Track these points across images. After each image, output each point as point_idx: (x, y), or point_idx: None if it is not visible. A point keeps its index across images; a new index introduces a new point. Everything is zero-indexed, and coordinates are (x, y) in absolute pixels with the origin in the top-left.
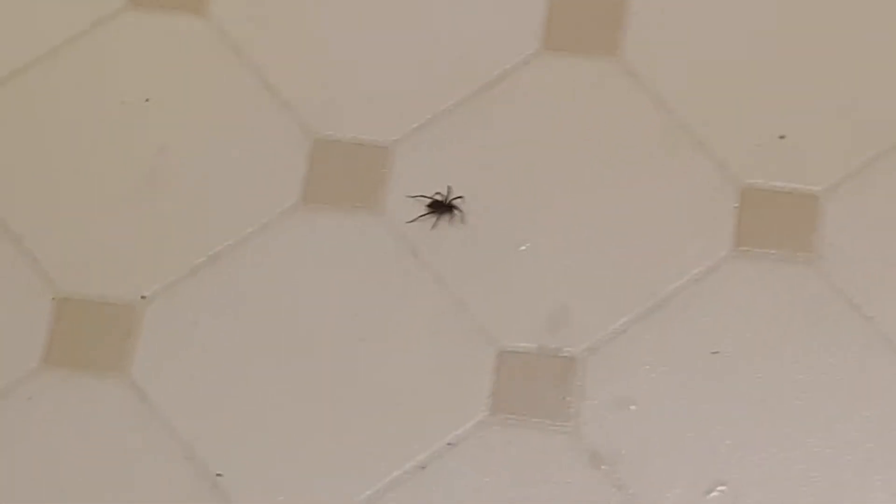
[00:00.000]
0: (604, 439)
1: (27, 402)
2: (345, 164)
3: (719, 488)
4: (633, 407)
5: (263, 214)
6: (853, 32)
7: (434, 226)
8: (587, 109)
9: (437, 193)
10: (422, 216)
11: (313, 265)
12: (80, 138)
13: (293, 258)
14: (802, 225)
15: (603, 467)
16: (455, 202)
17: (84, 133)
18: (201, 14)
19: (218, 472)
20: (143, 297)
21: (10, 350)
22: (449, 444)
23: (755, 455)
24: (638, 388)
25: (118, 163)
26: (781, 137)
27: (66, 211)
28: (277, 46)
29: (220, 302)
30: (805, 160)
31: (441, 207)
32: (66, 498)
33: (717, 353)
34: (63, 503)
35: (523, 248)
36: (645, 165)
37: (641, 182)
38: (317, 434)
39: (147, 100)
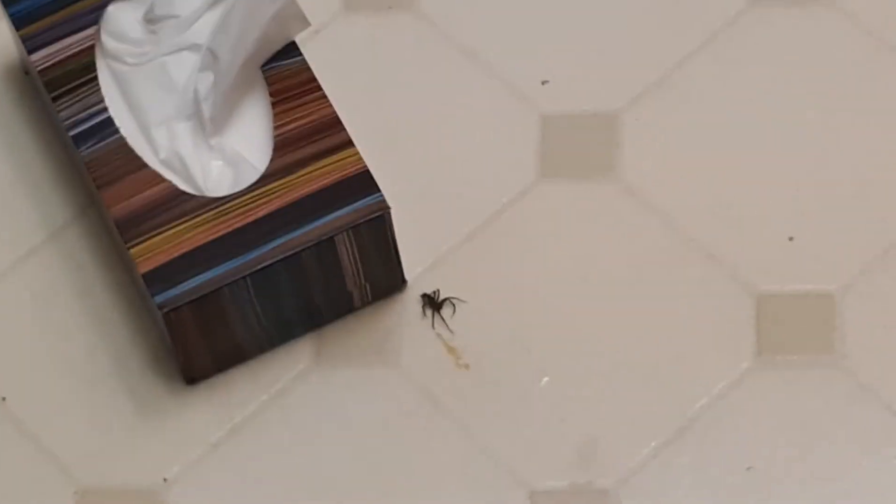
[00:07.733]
0: None
1: None
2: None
3: None
4: None
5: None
6: (857, 133)
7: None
8: (591, 233)
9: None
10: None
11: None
12: None
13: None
14: (822, 326)
15: None
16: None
17: None
18: None
19: None
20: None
21: None
22: None
23: None
24: None
25: None
26: (790, 239)
27: None
28: None
29: (243, 470)
30: (816, 261)
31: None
32: None
33: (751, 468)
34: None
35: (544, 381)
36: (656, 283)
37: (655, 300)
38: None
39: None
